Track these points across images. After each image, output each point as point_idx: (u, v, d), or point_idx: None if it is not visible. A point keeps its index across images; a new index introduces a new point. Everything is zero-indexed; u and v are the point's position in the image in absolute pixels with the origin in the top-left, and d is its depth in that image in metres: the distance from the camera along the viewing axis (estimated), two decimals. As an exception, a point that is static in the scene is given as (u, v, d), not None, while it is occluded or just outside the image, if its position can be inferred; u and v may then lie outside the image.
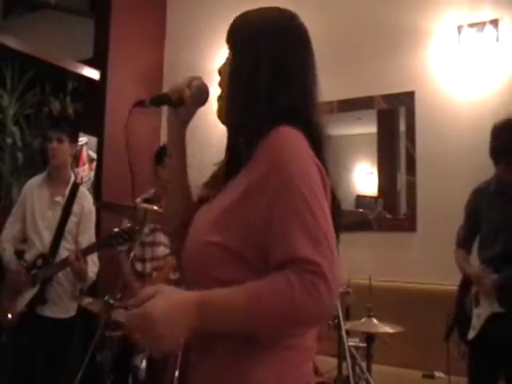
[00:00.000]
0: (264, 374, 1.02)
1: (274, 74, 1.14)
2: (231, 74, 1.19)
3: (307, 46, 1.21)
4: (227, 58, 1.24)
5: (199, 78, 1.29)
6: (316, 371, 2.93)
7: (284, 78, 1.15)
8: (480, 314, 2.67)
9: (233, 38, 1.25)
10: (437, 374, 2.81)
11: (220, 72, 1.25)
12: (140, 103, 1.29)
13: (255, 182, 1.03)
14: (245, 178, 1.08)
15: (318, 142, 1.13)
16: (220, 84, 1.24)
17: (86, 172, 4.79)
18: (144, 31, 4.83)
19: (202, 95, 1.27)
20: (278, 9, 1.25)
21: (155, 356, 0.99)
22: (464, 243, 2.91)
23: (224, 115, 1.22)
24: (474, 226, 2.86)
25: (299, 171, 1.01)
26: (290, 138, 1.06)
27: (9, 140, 4.30)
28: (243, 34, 1.22)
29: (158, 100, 1.33)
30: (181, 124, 1.32)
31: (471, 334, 2.68)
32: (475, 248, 2.91)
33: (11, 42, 4.03)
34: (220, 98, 1.23)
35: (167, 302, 0.95)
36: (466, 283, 2.83)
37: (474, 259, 2.87)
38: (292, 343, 1.05)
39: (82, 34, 4.78)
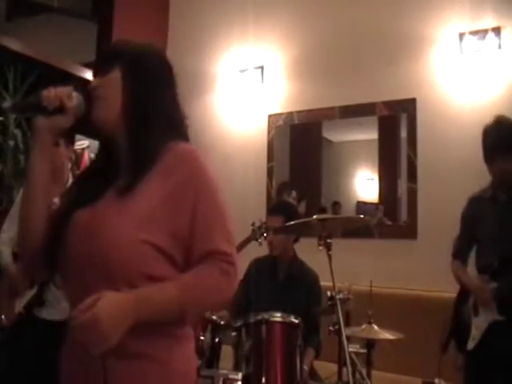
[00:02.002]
0: (181, 360, 1.27)
1: (169, 97, 1.37)
2: (133, 92, 1.31)
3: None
4: (113, 75, 1.32)
5: (72, 89, 1.32)
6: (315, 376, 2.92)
7: (173, 100, 1.37)
8: (479, 324, 2.64)
9: (125, 59, 1.34)
10: (437, 381, 2.79)
11: (99, 85, 1.32)
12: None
13: (178, 189, 1.24)
14: (161, 184, 1.24)
15: None
16: (100, 95, 1.31)
17: (87, 175, 4.79)
18: (146, 35, 4.83)
19: (83, 106, 1.32)
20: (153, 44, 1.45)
21: (95, 353, 1.12)
22: (460, 254, 2.88)
23: (110, 124, 1.31)
24: (470, 236, 2.82)
25: (211, 180, 1.29)
26: (196, 152, 1.30)
27: (11, 143, 4.30)
28: (137, 57, 1.36)
29: (27, 107, 1.36)
30: (55, 132, 1.32)
31: (470, 345, 2.64)
32: (472, 258, 2.88)
33: (14, 45, 4.04)
34: (102, 108, 1.31)
35: (109, 304, 1.11)
36: (463, 292, 2.80)
37: (471, 269, 2.86)
38: (189, 333, 1.32)
39: (84, 37, 4.80)
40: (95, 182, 1.33)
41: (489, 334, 2.60)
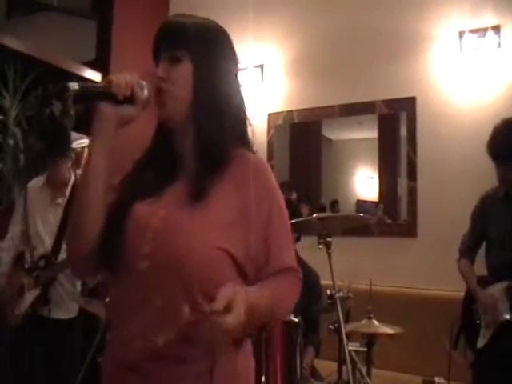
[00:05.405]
0: (246, 361, 1.27)
1: (236, 88, 1.28)
2: (206, 88, 1.21)
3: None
4: (183, 67, 1.21)
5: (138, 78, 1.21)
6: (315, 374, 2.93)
7: (238, 92, 1.28)
8: (489, 323, 2.62)
9: (196, 45, 1.22)
10: (437, 379, 2.80)
11: (167, 78, 1.20)
12: (60, 94, 1.12)
13: (253, 202, 1.18)
14: (235, 195, 1.18)
15: None
16: (168, 89, 1.20)
17: (87, 173, 4.78)
18: (146, 34, 4.83)
19: (151, 97, 1.21)
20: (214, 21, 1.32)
21: (220, 344, 1.10)
22: (468, 252, 2.85)
23: (176, 121, 1.22)
24: (480, 234, 2.79)
25: (281, 197, 1.26)
26: (266, 165, 1.28)
27: (10, 141, 4.29)
28: (209, 43, 1.24)
29: (93, 92, 1.20)
30: (120, 123, 1.20)
31: (481, 342, 2.62)
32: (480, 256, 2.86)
33: (14, 43, 4.03)
34: (169, 104, 1.20)
35: (243, 302, 1.03)
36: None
37: (477, 266, 2.86)
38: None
39: (84, 35, 4.79)
40: (152, 175, 1.23)
41: (499, 332, 2.58)
